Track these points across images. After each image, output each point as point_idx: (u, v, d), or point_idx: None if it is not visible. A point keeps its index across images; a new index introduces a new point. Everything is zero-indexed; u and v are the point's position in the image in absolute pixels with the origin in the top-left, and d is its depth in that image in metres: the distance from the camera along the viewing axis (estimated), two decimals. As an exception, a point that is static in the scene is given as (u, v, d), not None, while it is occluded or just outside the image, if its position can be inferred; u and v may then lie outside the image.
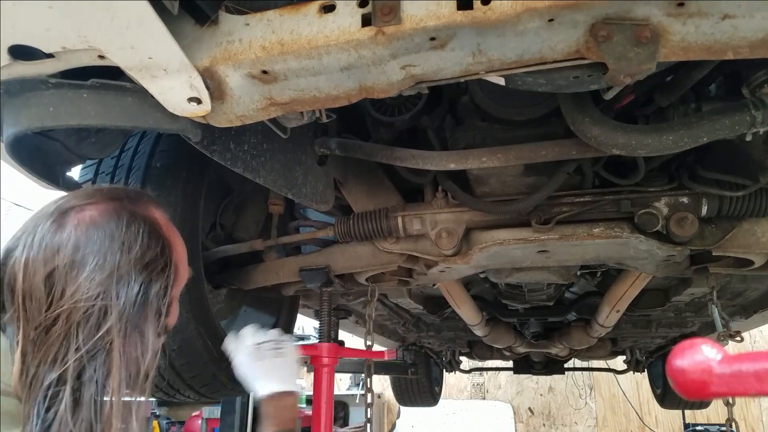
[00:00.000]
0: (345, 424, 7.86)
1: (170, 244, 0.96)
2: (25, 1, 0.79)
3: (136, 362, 0.85)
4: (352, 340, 4.09)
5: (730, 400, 1.95)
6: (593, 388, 8.16)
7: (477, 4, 0.82)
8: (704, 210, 1.53)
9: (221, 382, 1.75)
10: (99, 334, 0.80)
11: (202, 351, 1.62)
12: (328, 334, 2.23)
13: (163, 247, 0.93)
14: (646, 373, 4.89)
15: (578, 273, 2.22)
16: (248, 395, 3.53)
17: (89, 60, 0.92)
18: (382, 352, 3.89)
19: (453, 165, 1.47)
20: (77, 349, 0.78)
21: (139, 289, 0.86)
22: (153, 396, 1.83)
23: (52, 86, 0.96)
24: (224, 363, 1.74)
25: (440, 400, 5.96)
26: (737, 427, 2.45)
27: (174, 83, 0.93)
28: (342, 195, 1.87)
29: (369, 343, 2.25)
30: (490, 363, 5.71)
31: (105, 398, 0.79)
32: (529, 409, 8.43)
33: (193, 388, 1.72)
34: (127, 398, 0.83)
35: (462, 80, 0.98)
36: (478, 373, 8.23)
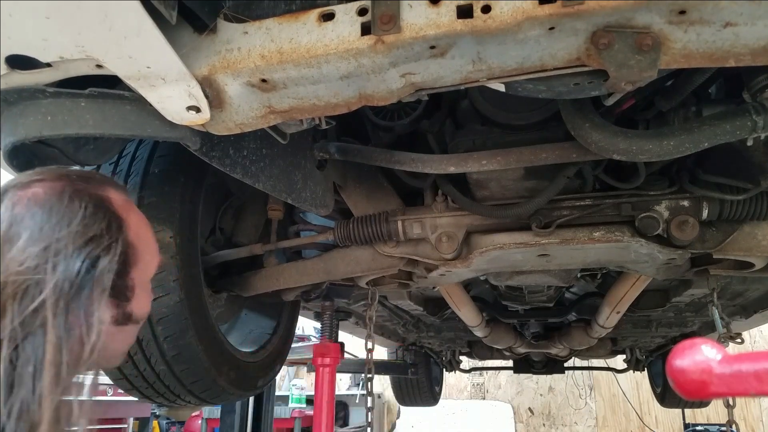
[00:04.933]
0: (345, 424, 7.86)
1: (123, 222, 0.91)
2: (23, 11, 0.79)
3: (80, 341, 0.80)
4: (352, 340, 4.10)
5: (731, 401, 1.95)
6: (593, 388, 8.17)
7: (477, 12, 0.81)
8: (705, 213, 1.53)
9: (222, 387, 1.74)
10: (32, 308, 0.76)
11: (202, 356, 1.62)
12: (330, 334, 2.24)
13: (110, 224, 0.88)
14: (646, 372, 4.89)
15: (578, 275, 2.22)
16: (248, 396, 3.53)
17: (87, 69, 0.91)
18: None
19: (453, 168, 1.46)
20: (11, 325, 0.75)
21: (81, 264, 0.82)
22: (154, 401, 1.82)
23: (50, 95, 0.96)
24: (224, 368, 1.74)
25: (440, 400, 5.97)
26: (737, 428, 2.45)
27: (173, 92, 0.92)
28: (342, 199, 1.87)
29: (369, 345, 2.26)
30: (490, 363, 5.71)
31: (42, 376, 0.75)
32: (529, 409, 8.43)
33: (194, 393, 1.71)
34: (70, 377, 0.79)
35: (462, 87, 0.97)
36: (478, 373, 8.24)
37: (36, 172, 0.91)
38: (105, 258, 0.85)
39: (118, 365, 1.00)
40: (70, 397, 0.79)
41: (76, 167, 1.29)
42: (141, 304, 0.95)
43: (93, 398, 0.86)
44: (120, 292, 0.89)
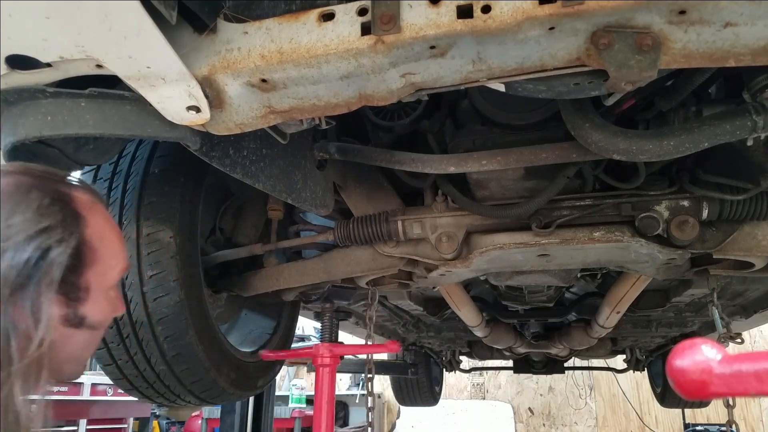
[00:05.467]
0: (345, 424, 7.87)
1: (82, 219, 0.89)
2: (23, 11, 0.79)
3: (27, 335, 0.79)
4: (352, 340, 4.09)
5: (731, 402, 1.95)
6: (593, 388, 8.17)
7: (477, 12, 0.81)
8: (705, 213, 1.53)
9: (222, 387, 1.74)
10: None
11: (202, 356, 1.62)
12: (330, 336, 2.24)
13: (66, 218, 0.86)
14: (646, 372, 4.89)
15: (578, 275, 2.22)
16: (248, 396, 3.53)
17: (87, 69, 0.91)
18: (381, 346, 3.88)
19: (453, 168, 1.46)
20: None
21: (30, 254, 0.80)
22: (154, 401, 1.82)
23: (50, 95, 0.96)
24: (224, 368, 1.74)
25: (440, 400, 5.96)
26: (737, 428, 2.45)
27: (173, 92, 0.92)
28: (342, 199, 1.87)
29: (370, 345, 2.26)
30: (490, 363, 5.71)
31: None
32: (529, 409, 8.43)
33: (194, 393, 1.71)
34: (20, 375, 0.77)
35: (462, 87, 0.97)
36: (478, 373, 8.24)
37: (7, 165, 0.90)
38: (56, 250, 0.83)
39: (78, 377, 0.96)
40: (20, 396, 0.77)
41: (76, 167, 1.29)
42: (97, 309, 0.91)
43: (46, 398, 0.83)
44: (71, 290, 0.86)
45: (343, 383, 8.82)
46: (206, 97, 0.94)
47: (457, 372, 5.23)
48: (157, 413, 8.00)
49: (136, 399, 1.88)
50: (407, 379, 5.21)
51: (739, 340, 1.90)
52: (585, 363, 5.74)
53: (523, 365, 4.92)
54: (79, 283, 0.88)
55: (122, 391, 1.80)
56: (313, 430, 2.04)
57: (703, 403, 5.34)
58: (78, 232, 0.87)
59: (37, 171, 0.90)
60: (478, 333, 3.13)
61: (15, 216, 0.81)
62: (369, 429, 2.10)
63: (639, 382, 7.57)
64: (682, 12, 0.80)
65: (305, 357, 2.26)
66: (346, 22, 0.87)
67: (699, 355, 0.59)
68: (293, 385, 7.79)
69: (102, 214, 0.95)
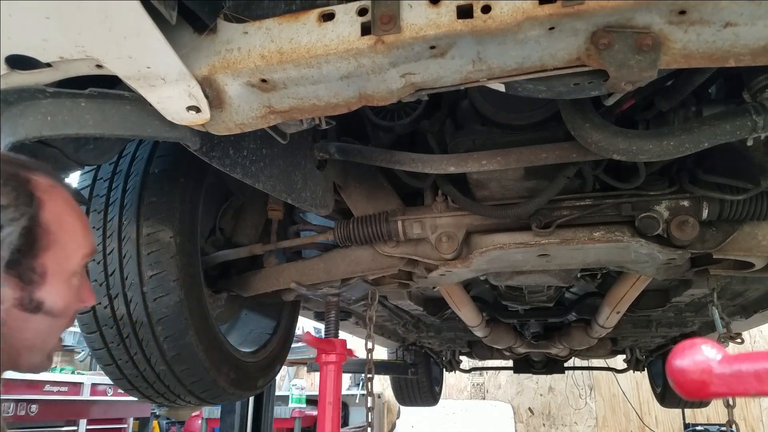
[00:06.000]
0: (345, 424, 7.87)
1: (37, 201, 0.88)
2: (23, 11, 0.79)
3: None
4: (352, 340, 4.09)
5: (731, 402, 1.95)
6: (593, 388, 8.17)
7: (477, 12, 0.81)
8: (705, 213, 1.53)
9: (222, 387, 1.74)
10: None
11: (202, 357, 1.62)
12: (335, 332, 2.15)
13: (18, 197, 0.85)
14: (646, 372, 4.89)
15: (578, 275, 2.22)
16: (248, 396, 3.53)
17: (87, 69, 0.91)
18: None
19: (453, 168, 1.46)
20: None
21: None
22: (154, 401, 1.82)
23: (50, 95, 0.96)
24: (224, 368, 1.74)
25: (440, 400, 5.96)
26: (737, 428, 2.45)
27: (173, 92, 0.92)
28: (342, 199, 1.87)
29: (370, 345, 2.25)
30: (490, 363, 5.71)
31: None
32: (529, 409, 8.43)
33: (194, 393, 1.71)
34: None
35: (462, 87, 0.97)
36: (478, 373, 8.24)
37: None
38: (5, 229, 0.82)
39: (43, 369, 0.95)
40: None
41: (76, 167, 1.29)
42: (57, 295, 0.90)
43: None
44: (24, 272, 0.86)
45: (343, 383, 8.82)
46: (206, 97, 0.94)
47: (457, 372, 5.23)
48: (157, 413, 8.00)
49: (136, 399, 1.88)
50: (407, 379, 5.21)
51: (739, 340, 1.90)
52: (585, 363, 5.73)
53: (523, 365, 4.92)
54: (34, 266, 0.87)
55: (122, 391, 1.80)
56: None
57: (703, 403, 5.34)
58: (31, 213, 0.86)
59: (4, 156, 0.90)
60: (478, 333, 3.13)
61: None
62: (369, 429, 2.10)
63: (639, 381, 7.57)
64: (682, 12, 0.80)
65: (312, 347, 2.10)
66: (346, 22, 0.87)
67: (699, 355, 0.59)
68: (293, 385, 7.80)
69: (62, 198, 0.94)
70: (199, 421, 6.45)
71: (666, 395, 4.85)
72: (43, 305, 0.88)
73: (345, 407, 8.15)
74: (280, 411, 6.35)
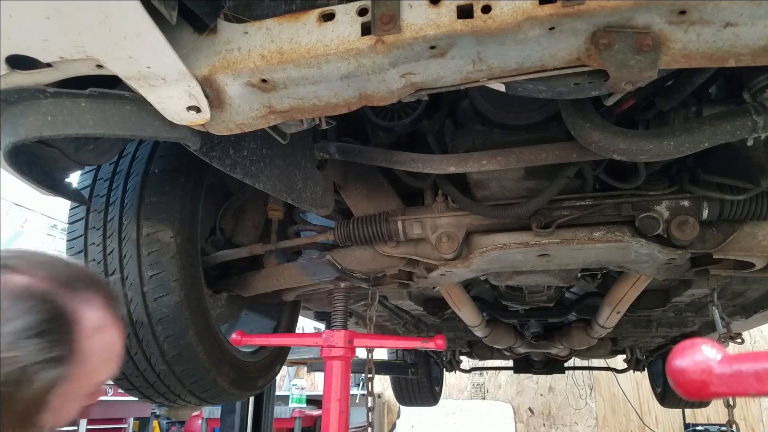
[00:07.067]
0: (345, 424, 7.85)
1: (77, 348, 0.85)
2: (23, 11, 0.79)
3: None
4: (352, 341, 4.09)
5: (731, 401, 1.95)
6: (593, 388, 8.17)
7: (477, 12, 0.81)
8: (705, 213, 1.53)
9: (222, 387, 1.74)
10: None
11: (202, 356, 1.62)
12: (344, 323, 2.00)
13: (61, 344, 0.83)
14: (646, 372, 4.89)
15: (578, 275, 2.22)
16: (248, 396, 3.53)
17: (87, 69, 0.91)
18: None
19: (453, 168, 1.46)
20: None
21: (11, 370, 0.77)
22: (154, 401, 1.82)
23: (50, 95, 0.96)
24: (224, 368, 1.74)
25: (440, 400, 5.96)
26: (737, 428, 2.45)
27: (173, 92, 0.92)
28: (342, 199, 1.87)
29: (369, 345, 2.25)
30: (490, 363, 5.71)
31: None
32: (529, 409, 8.43)
33: (194, 393, 1.71)
34: None
35: (462, 87, 0.97)
36: (478, 373, 8.24)
37: (26, 258, 0.88)
38: (41, 374, 0.80)
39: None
40: None
41: (76, 167, 1.29)
42: (62, 418, 0.88)
43: None
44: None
45: (343, 383, 8.80)
46: (206, 97, 0.94)
47: (457, 372, 5.23)
48: (158, 413, 7.99)
49: (136, 399, 1.87)
50: (407, 379, 5.21)
51: (739, 340, 1.90)
52: (585, 363, 5.73)
53: (523, 365, 4.92)
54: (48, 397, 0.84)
55: (122, 391, 1.79)
56: (322, 433, 1.88)
57: (703, 403, 5.34)
58: (68, 361, 0.84)
59: (52, 274, 0.88)
60: (478, 333, 3.13)
61: (12, 323, 0.79)
62: (369, 429, 2.10)
63: (639, 381, 7.56)
64: (683, 12, 0.80)
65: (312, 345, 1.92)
66: (346, 22, 0.87)
67: (699, 355, 0.59)
68: (293, 385, 7.79)
69: (107, 338, 0.92)
70: (199, 421, 6.44)
71: (666, 395, 4.85)
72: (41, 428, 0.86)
73: (345, 407, 8.12)
74: (280, 411, 6.34)
